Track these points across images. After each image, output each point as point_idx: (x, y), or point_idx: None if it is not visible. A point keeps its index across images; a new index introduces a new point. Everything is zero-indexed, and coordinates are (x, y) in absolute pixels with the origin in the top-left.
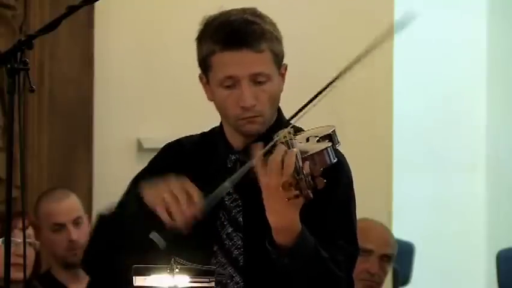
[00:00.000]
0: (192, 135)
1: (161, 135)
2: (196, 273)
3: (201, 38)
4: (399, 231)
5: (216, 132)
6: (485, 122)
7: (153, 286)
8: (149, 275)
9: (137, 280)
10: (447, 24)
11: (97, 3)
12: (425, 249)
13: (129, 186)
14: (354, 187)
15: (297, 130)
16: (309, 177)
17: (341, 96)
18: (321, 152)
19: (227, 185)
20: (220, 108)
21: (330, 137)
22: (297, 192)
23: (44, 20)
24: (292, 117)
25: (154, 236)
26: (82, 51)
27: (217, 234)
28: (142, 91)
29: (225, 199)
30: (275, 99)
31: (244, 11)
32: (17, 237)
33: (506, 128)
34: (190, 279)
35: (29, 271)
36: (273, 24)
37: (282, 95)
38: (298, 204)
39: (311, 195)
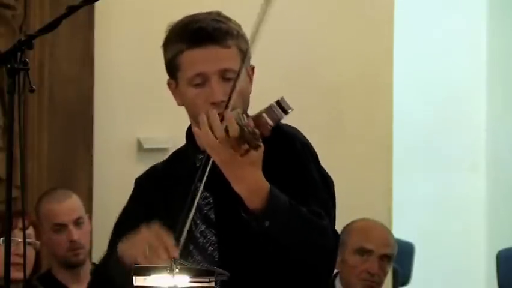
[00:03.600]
0: (162, 160)
1: (161, 135)
2: (196, 273)
3: (167, 42)
4: (399, 231)
5: (185, 144)
6: (485, 122)
7: (153, 286)
8: (149, 275)
9: (137, 280)
10: (447, 25)
11: (97, 3)
12: (425, 249)
13: (114, 230)
14: (354, 187)
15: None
16: (254, 129)
17: (341, 95)
18: (265, 109)
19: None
20: (190, 109)
21: (278, 103)
22: (246, 146)
23: (44, 20)
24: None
25: None
26: (82, 51)
27: (191, 234)
28: (142, 91)
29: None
30: (245, 95)
31: (209, 13)
32: (17, 237)
33: (506, 128)
34: (190, 279)
35: (29, 271)
36: (239, 25)
37: (283, 91)
38: (255, 161)
39: (260, 144)
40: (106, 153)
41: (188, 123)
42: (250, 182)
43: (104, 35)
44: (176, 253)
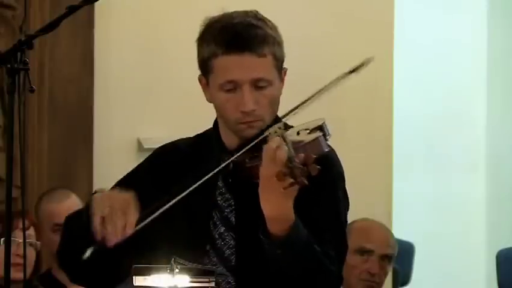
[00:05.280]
0: (187, 138)
1: (161, 135)
2: (196, 273)
3: (203, 40)
4: (399, 231)
5: (210, 134)
6: (485, 122)
7: (153, 286)
8: (149, 275)
9: (137, 280)
10: (447, 24)
11: (97, 3)
12: (425, 249)
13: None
14: (354, 187)
15: (287, 127)
16: (303, 165)
17: (341, 96)
18: (312, 141)
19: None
20: (220, 111)
21: (321, 128)
22: (292, 180)
23: (44, 20)
24: (283, 117)
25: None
26: (82, 51)
27: (209, 234)
28: (142, 91)
29: (218, 198)
30: (275, 103)
31: (246, 14)
32: (18, 238)
33: (506, 128)
34: (190, 279)
35: (29, 271)
36: (275, 29)
37: (283, 97)
38: (293, 193)
39: (306, 182)
40: (106, 153)
41: (188, 123)
42: (279, 208)
43: (104, 35)
44: (130, 230)
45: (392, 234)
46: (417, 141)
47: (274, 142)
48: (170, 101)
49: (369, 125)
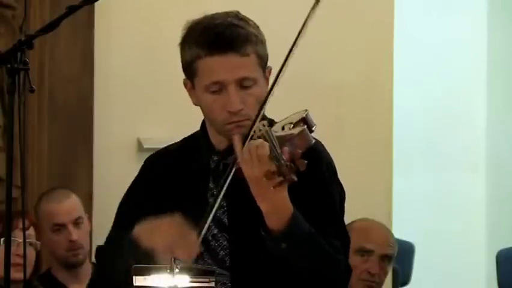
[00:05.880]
0: (174, 143)
1: (161, 135)
2: (196, 273)
3: (185, 43)
4: (399, 231)
5: (198, 136)
6: (485, 122)
7: (153, 286)
8: (149, 275)
9: (137, 280)
10: (447, 25)
11: (97, 3)
12: (425, 249)
13: (120, 208)
14: (354, 187)
15: (270, 122)
16: (290, 162)
17: (341, 97)
18: (298, 135)
19: (214, 203)
20: (207, 113)
21: (305, 120)
22: (281, 178)
23: (44, 20)
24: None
25: None
26: (82, 51)
27: (203, 236)
28: (142, 91)
29: (210, 200)
30: (262, 102)
31: (227, 14)
32: (18, 238)
33: (506, 128)
34: (190, 279)
35: (29, 271)
36: (257, 27)
37: (281, 96)
38: (284, 187)
39: (295, 178)
40: (106, 153)
41: (189, 123)
42: (274, 202)
43: (104, 35)
44: (196, 250)
45: (392, 234)
46: (417, 141)
47: (254, 144)
48: (170, 101)
49: (369, 124)
